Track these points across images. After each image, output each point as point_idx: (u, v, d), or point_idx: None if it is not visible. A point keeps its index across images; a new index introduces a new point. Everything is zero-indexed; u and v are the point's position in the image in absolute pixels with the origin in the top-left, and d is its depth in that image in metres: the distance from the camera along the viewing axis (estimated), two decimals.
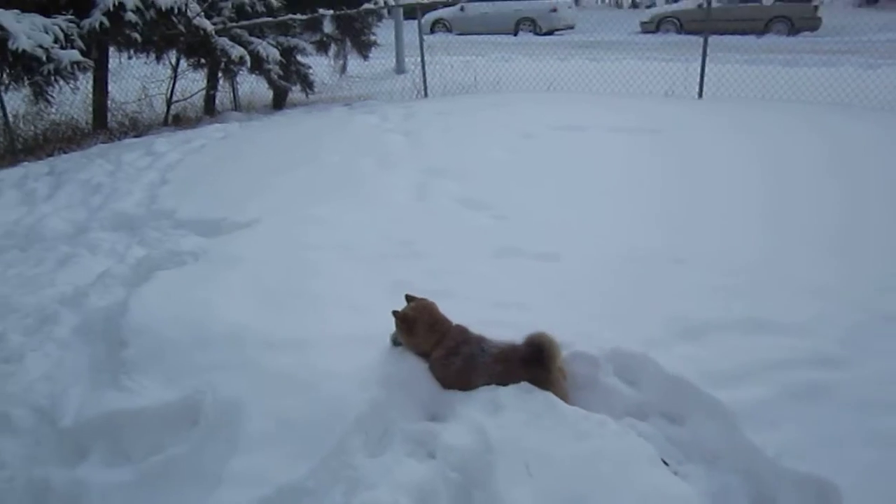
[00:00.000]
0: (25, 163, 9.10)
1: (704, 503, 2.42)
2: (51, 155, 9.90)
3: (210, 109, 13.00)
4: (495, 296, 3.83)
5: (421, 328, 3.18)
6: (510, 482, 2.50)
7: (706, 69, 10.12)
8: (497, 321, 3.46)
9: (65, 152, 9.95)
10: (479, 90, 12.10)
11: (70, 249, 5.45)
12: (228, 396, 3.06)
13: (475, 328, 3.33)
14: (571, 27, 25.97)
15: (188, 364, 3.39)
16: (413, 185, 5.97)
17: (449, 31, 26.00)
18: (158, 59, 11.98)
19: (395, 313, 3.20)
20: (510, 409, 2.84)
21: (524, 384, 2.94)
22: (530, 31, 25.38)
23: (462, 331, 3.21)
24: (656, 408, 3.01)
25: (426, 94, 12.24)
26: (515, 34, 25.11)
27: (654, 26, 24.44)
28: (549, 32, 25.34)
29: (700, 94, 10.12)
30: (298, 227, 5.09)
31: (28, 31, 8.51)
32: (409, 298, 3.30)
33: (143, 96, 12.70)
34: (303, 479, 2.61)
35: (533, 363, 2.96)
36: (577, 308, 3.61)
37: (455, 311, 3.56)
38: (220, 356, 3.38)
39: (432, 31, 24.97)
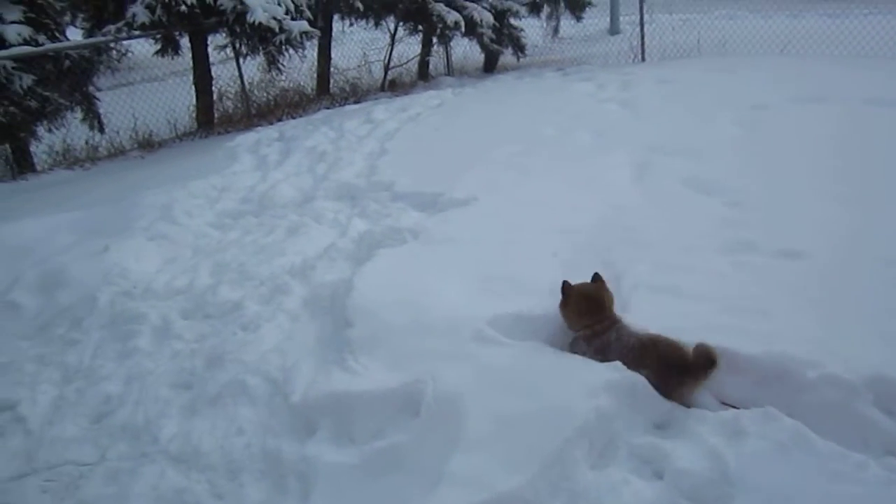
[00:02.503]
0: (259, 127, 9.78)
1: None
2: (280, 119, 10.59)
3: (424, 74, 13.25)
4: (729, 298, 3.50)
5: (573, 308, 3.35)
6: None
7: None
8: (732, 328, 3.19)
9: (292, 117, 10.59)
10: (703, 53, 11.30)
11: (298, 218, 5.73)
12: (449, 389, 3.03)
13: (705, 335, 3.07)
14: None
15: (409, 350, 3.43)
16: (634, 163, 5.65)
17: None
18: (377, 25, 12.43)
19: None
20: (753, 435, 2.58)
21: (770, 408, 2.66)
22: None
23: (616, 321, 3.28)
24: None
25: (643, 59, 11.62)
26: None
27: None
28: None
29: None
30: (515, 207, 5.00)
31: (263, 3, 9.11)
32: (595, 278, 3.44)
33: (363, 62, 13.18)
34: (521, 488, 2.52)
35: (695, 372, 2.96)
36: (828, 320, 3.19)
37: (682, 314, 3.31)
38: (440, 345, 3.38)
39: None
